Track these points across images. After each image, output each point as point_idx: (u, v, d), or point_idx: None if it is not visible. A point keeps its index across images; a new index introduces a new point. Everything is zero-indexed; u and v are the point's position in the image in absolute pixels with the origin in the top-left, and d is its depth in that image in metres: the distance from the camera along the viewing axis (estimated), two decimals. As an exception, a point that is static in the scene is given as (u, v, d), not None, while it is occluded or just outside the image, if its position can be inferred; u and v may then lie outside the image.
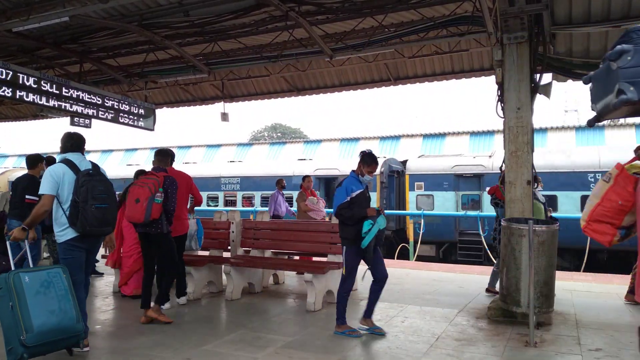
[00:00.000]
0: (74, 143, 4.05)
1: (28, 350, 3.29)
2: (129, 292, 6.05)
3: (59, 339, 3.45)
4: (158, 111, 10.13)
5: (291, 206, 10.05)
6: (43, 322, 3.32)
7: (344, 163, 16.17)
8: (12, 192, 6.15)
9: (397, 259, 11.59)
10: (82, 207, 3.76)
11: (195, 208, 6.37)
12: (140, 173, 6.56)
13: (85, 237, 3.86)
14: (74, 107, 8.04)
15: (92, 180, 3.84)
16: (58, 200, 3.83)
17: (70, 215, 3.80)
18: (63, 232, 3.84)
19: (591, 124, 2.21)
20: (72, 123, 8.85)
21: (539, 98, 5.53)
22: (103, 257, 7.08)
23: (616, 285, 7.01)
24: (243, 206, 16.00)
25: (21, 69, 7.35)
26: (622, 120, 25.11)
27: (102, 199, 3.84)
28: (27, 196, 5.72)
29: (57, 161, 4.10)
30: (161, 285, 5.12)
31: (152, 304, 5.01)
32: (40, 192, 3.84)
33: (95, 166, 4.05)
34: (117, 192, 7.16)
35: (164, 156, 5.23)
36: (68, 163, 3.91)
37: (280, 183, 9.51)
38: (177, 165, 6.00)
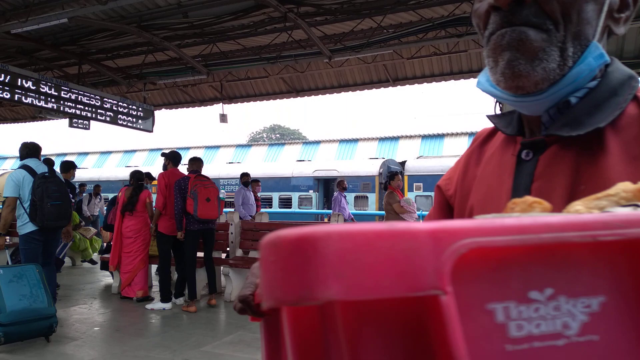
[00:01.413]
0: (29, 152, 4.79)
1: (2, 328, 3.79)
2: (133, 294, 6.01)
3: (31, 320, 3.98)
4: (157, 112, 10.12)
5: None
6: (15, 303, 3.89)
7: (343, 164, 16.18)
8: None
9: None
10: (39, 205, 4.49)
11: None
12: (137, 173, 6.53)
13: (42, 230, 4.59)
14: (73, 109, 8.04)
15: (46, 182, 4.56)
16: (20, 200, 4.57)
17: (31, 212, 4.53)
18: (24, 226, 4.59)
19: None
20: (71, 125, 8.84)
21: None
22: (103, 258, 7.08)
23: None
24: (242, 207, 15.98)
25: (20, 70, 7.35)
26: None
27: (55, 197, 4.56)
28: None
29: (17, 167, 4.79)
30: (191, 280, 5.54)
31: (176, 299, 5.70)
32: (4, 195, 4.58)
33: (51, 170, 4.75)
34: (115, 194, 7.18)
35: (200, 162, 5.88)
36: (26, 168, 4.64)
37: (341, 184, 8.99)
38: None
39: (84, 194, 11.04)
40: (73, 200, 6.97)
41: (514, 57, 0.58)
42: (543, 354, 0.28)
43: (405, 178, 14.04)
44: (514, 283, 0.28)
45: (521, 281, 0.29)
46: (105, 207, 8.67)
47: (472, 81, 9.54)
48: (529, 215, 0.36)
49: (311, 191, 14.90)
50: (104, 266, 7.12)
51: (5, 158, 35.15)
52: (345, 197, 8.79)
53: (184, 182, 5.40)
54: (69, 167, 6.87)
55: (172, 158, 5.96)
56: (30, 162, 4.74)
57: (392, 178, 7.37)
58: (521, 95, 0.61)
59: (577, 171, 0.58)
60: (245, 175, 9.19)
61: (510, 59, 0.58)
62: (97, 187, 11.41)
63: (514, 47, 0.58)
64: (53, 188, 4.55)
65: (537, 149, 0.63)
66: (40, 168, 4.69)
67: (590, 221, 0.28)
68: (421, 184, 13.71)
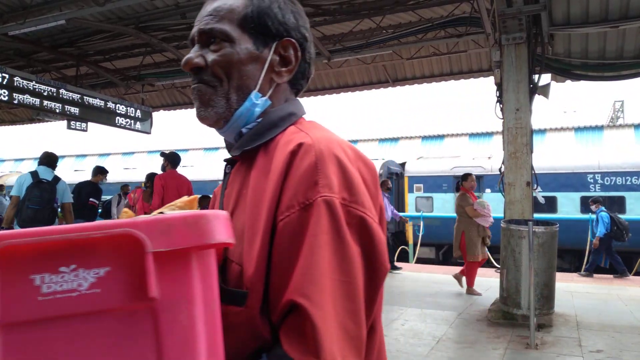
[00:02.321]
0: (47, 161, 5.25)
1: None
2: None
3: None
4: (155, 114, 10.10)
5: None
6: None
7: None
8: (75, 196, 6.79)
9: (397, 261, 11.55)
10: (20, 207, 4.90)
11: None
12: (154, 176, 6.49)
13: None
14: (71, 111, 8.00)
15: (34, 187, 4.93)
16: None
17: (17, 212, 4.94)
18: (15, 225, 4.97)
19: None
20: (69, 127, 8.81)
21: (538, 99, 5.52)
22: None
23: (616, 286, 6.99)
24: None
25: (17, 72, 7.31)
26: (620, 121, 25.20)
27: (35, 201, 4.90)
28: (90, 199, 7.16)
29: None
30: None
31: None
32: (11, 194, 5.11)
33: (55, 178, 5.15)
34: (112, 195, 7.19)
35: (209, 198, 6.67)
36: (33, 173, 5.05)
37: (385, 184, 8.48)
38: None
39: (112, 196, 10.75)
40: (96, 202, 7.31)
41: (198, 105, 0.83)
42: (61, 301, 0.50)
43: (406, 179, 14.01)
44: (50, 262, 0.50)
45: (54, 261, 0.51)
46: None
47: (472, 81, 9.51)
48: (125, 219, 0.60)
49: (311, 192, 14.85)
50: None
51: (3, 161, 35.08)
52: (388, 197, 8.28)
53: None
54: (97, 172, 7.42)
55: (171, 160, 5.91)
56: (40, 168, 5.17)
57: (464, 179, 6.56)
58: (217, 129, 0.86)
59: (244, 179, 0.80)
60: None
61: (197, 107, 0.83)
62: (126, 186, 11.26)
63: (197, 99, 0.83)
64: (36, 193, 4.92)
65: (232, 164, 0.88)
66: (45, 175, 5.09)
67: (89, 226, 0.51)
68: (421, 184, 13.67)
